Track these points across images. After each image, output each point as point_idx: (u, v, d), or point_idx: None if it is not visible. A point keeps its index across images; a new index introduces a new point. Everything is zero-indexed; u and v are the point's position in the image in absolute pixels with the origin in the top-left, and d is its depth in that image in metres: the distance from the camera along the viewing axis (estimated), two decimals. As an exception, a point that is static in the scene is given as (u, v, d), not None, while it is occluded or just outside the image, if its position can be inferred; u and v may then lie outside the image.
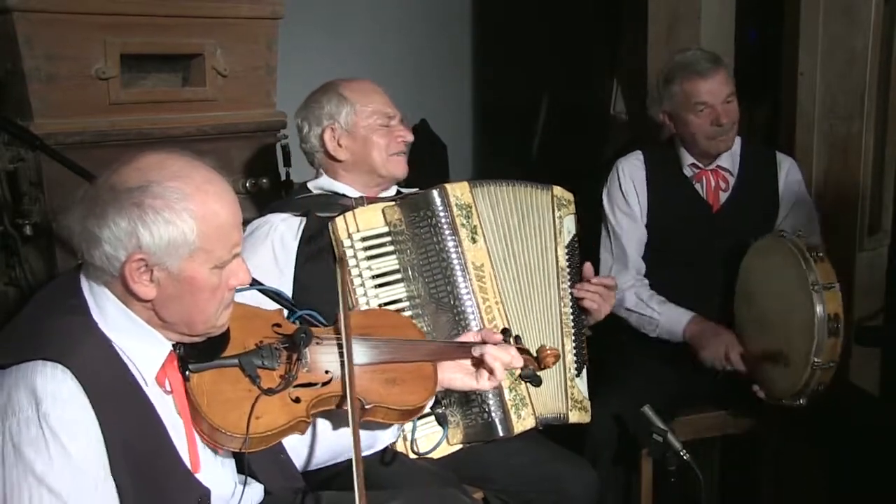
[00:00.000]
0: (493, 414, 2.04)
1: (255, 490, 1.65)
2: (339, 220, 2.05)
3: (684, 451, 2.05)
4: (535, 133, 4.86)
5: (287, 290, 2.01)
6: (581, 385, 2.24)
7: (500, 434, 2.05)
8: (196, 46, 2.53)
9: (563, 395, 2.18)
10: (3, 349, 1.40)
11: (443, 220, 2.08)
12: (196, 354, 1.50)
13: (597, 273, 2.34)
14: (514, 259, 2.16)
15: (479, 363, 1.82)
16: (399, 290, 2.07)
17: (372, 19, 4.20)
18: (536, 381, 1.96)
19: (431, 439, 2.04)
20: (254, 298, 1.84)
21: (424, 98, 4.24)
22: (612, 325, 2.45)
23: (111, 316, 1.43)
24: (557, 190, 2.27)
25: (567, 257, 2.25)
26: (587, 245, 2.41)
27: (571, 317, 2.24)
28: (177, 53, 2.53)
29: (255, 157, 2.70)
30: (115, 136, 2.37)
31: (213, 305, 1.47)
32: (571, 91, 4.68)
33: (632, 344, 2.67)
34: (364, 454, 1.79)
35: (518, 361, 1.85)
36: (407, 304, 2.06)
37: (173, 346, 1.49)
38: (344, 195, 2.17)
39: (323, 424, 1.75)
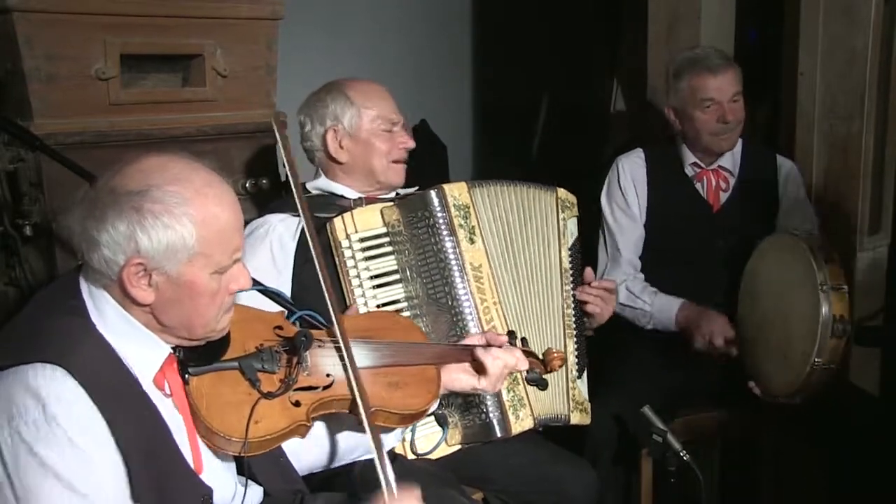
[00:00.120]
0: (491, 414, 2.04)
1: (255, 492, 1.64)
2: (338, 221, 2.04)
3: (684, 451, 2.05)
4: (535, 133, 4.86)
5: (285, 290, 2.01)
6: (582, 386, 2.25)
7: (498, 434, 2.05)
8: (196, 47, 2.53)
9: (564, 396, 2.18)
10: (1, 350, 1.39)
11: (440, 221, 2.08)
12: (195, 357, 1.49)
13: (596, 272, 2.34)
14: (513, 260, 2.16)
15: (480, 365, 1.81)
16: (397, 291, 2.06)
17: (372, 19, 4.20)
18: (543, 385, 1.96)
19: (431, 440, 2.04)
20: (253, 299, 1.84)
21: (424, 98, 4.24)
22: (612, 325, 2.45)
23: (110, 319, 1.43)
24: (561, 192, 2.27)
25: (570, 259, 2.25)
26: (587, 247, 2.41)
27: (573, 318, 2.24)
28: (177, 53, 2.53)
29: (255, 158, 2.70)
30: (115, 136, 2.37)
31: (213, 310, 1.46)
32: (571, 91, 4.68)
33: (632, 344, 2.67)
34: (366, 458, 1.79)
35: (523, 364, 1.84)
36: (405, 304, 2.06)
37: (172, 349, 1.48)
38: (342, 196, 2.17)
39: (324, 428, 1.75)
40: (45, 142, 2.18)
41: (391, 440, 1.83)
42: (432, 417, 2.03)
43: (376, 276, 2.06)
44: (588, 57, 4.63)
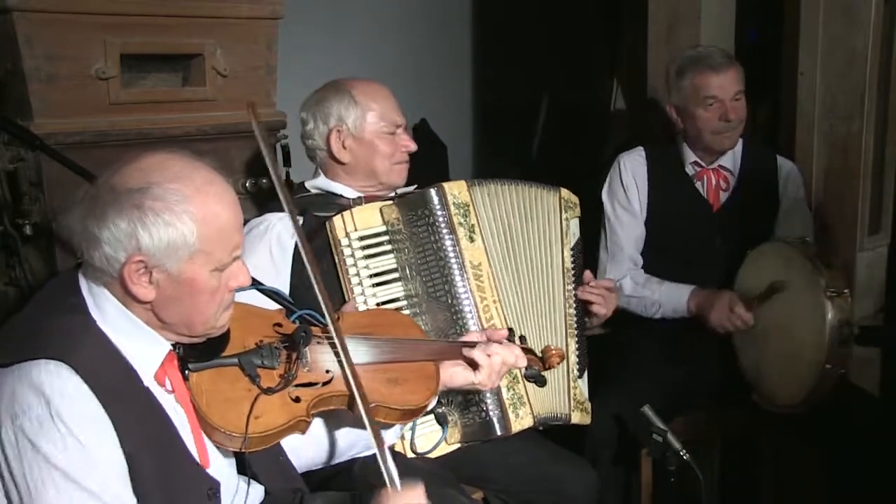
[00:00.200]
0: (491, 413, 2.04)
1: (257, 490, 1.64)
2: (337, 220, 2.04)
3: (684, 451, 2.05)
4: (535, 133, 4.86)
5: (284, 289, 2.01)
6: (583, 386, 2.25)
7: (498, 433, 2.04)
8: (196, 46, 2.53)
9: (566, 395, 2.18)
10: (3, 348, 1.40)
11: (440, 219, 2.08)
12: (195, 354, 1.50)
13: (595, 272, 2.34)
14: (513, 258, 2.16)
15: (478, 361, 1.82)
16: (397, 289, 2.06)
17: (372, 19, 4.20)
18: (541, 382, 1.96)
19: (430, 439, 2.04)
20: (253, 298, 1.84)
21: (424, 98, 4.23)
22: (612, 324, 2.45)
23: (110, 316, 1.43)
24: (564, 192, 2.28)
25: (572, 259, 2.25)
26: (587, 247, 2.41)
27: (575, 318, 2.24)
28: (177, 53, 2.53)
29: (255, 158, 2.70)
30: (115, 136, 2.37)
31: (213, 307, 1.46)
32: (571, 91, 4.68)
33: (632, 344, 2.67)
34: (364, 454, 1.79)
35: (522, 361, 1.85)
36: (405, 303, 2.06)
37: (172, 345, 1.49)
38: (341, 195, 2.17)
39: (324, 425, 1.75)
40: (45, 142, 2.18)
41: (390, 437, 1.83)
42: (432, 416, 2.03)
43: (376, 275, 2.05)
44: (588, 57, 4.63)
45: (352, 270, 2.04)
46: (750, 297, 2.43)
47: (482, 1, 4.69)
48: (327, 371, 1.62)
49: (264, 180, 2.65)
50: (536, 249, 2.19)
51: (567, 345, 2.20)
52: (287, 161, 2.71)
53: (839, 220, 2.98)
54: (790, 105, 3.11)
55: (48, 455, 1.32)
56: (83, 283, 1.46)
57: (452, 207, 2.10)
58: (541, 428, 2.15)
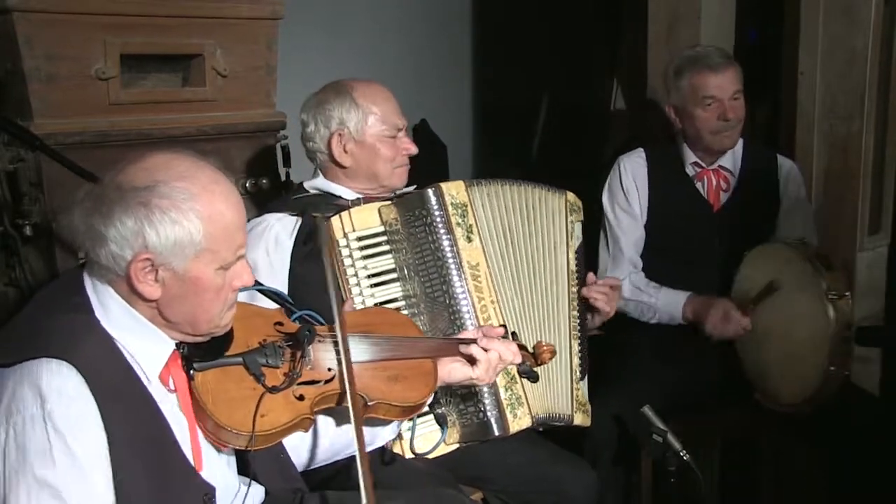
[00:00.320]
0: (489, 413, 2.04)
1: (257, 491, 1.65)
2: (335, 220, 2.04)
3: (684, 451, 2.05)
4: (535, 133, 4.86)
5: (281, 288, 2.01)
6: (584, 388, 2.25)
7: (496, 433, 2.04)
8: (196, 46, 2.53)
9: (569, 396, 2.18)
10: (5, 347, 1.40)
11: (438, 220, 2.08)
12: (200, 353, 1.50)
13: (597, 272, 2.35)
14: (513, 258, 2.15)
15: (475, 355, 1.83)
16: (395, 290, 2.07)
17: (372, 19, 4.20)
18: (534, 377, 1.97)
19: (430, 439, 2.04)
20: (253, 298, 1.85)
21: (424, 98, 4.23)
22: (613, 324, 2.45)
23: (115, 314, 1.44)
24: (570, 196, 2.28)
25: (576, 262, 2.25)
26: (587, 247, 2.41)
27: (578, 320, 2.24)
28: (177, 53, 2.53)
29: (255, 158, 2.70)
30: (115, 136, 2.37)
31: (217, 306, 1.47)
32: (571, 91, 4.68)
33: (632, 344, 2.67)
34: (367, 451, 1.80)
35: (519, 357, 1.87)
36: (403, 303, 2.06)
37: (177, 345, 1.49)
38: (340, 196, 2.17)
39: (325, 422, 1.75)
40: (45, 142, 2.19)
41: (388, 433, 1.84)
42: (431, 417, 2.03)
43: (374, 275, 2.06)
44: (588, 57, 4.63)
45: (350, 271, 2.04)
46: (745, 301, 2.43)
47: (482, 1, 4.69)
48: (329, 369, 1.64)
49: (264, 180, 2.66)
50: (538, 250, 2.19)
51: (570, 346, 2.20)
52: (287, 161, 2.71)
53: (839, 220, 2.98)
54: (790, 105, 3.11)
55: (31, 459, 1.31)
56: (88, 282, 1.46)
57: (450, 208, 2.10)
58: (541, 429, 2.15)
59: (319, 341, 1.64)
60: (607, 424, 2.39)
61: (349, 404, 1.50)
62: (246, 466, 1.62)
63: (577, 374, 2.21)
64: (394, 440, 1.94)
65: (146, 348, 1.45)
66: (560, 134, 4.77)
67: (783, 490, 2.88)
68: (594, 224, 2.73)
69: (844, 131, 2.97)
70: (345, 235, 2.04)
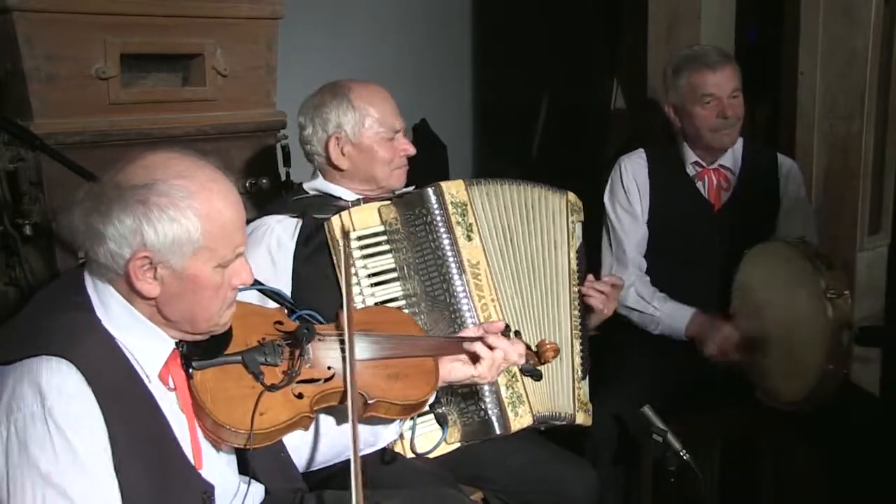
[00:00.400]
0: (490, 411, 2.04)
1: (257, 490, 1.65)
2: (335, 220, 2.04)
3: (684, 451, 2.05)
4: (535, 133, 4.86)
5: (284, 290, 2.01)
6: (585, 387, 2.25)
7: (497, 431, 2.04)
8: (196, 46, 2.53)
9: (571, 395, 2.18)
10: (6, 346, 1.40)
11: (438, 219, 2.08)
12: (199, 352, 1.51)
13: (597, 275, 2.35)
14: (513, 257, 2.16)
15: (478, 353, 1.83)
16: (395, 289, 2.07)
17: (372, 19, 4.20)
18: (537, 376, 1.97)
19: (430, 439, 2.04)
20: (253, 298, 1.85)
21: (424, 98, 4.24)
22: (613, 324, 2.45)
23: (115, 313, 1.44)
24: (571, 196, 2.29)
25: (577, 261, 2.26)
26: (588, 248, 2.41)
27: (580, 319, 2.24)
28: (177, 53, 2.54)
29: (255, 158, 2.70)
30: (115, 136, 2.37)
31: (216, 304, 1.47)
32: (571, 91, 4.68)
33: (631, 344, 2.67)
34: (366, 452, 1.80)
35: (522, 358, 1.87)
36: (403, 302, 2.06)
37: (176, 343, 1.49)
38: (339, 198, 2.17)
39: (326, 421, 1.75)
40: (45, 142, 2.19)
41: (390, 433, 1.84)
42: (432, 417, 2.03)
43: (374, 275, 2.06)
44: (588, 57, 4.63)
45: (350, 270, 2.04)
46: (753, 339, 2.43)
47: (482, 1, 4.69)
48: (329, 368, 1.64)
49: (264, 180, 2.66)
50: (539, 249, 2.19)
51: (572, 345, 2.20)
52: (287, 161, 2.71)
53: (839, 220, 2.98)
54: (790, 105, 3.11)
55: (33, 456, 1.31)
56: (88, 281, 1.46)
57: (450, 207, 2.10)
58: (542, 428, 2.15)
59: (319, 340, 1.64)
60: (607, 424, 2.39)
61: (349, 402, 1.50)
62: (246, 465, 1.62)
63: (579, 373, 2.21)
64: (396, 439, 1.94)
65: (146, 347, 1.45)
66: (560, 134, 4.77)
67: (783, 490, 2.88)
68: (594, 224, 2.73)
69: (844, 131, 2.97)
70: (345, 235, 2.04)
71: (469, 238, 2.10)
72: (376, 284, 2.05)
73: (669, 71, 2.65)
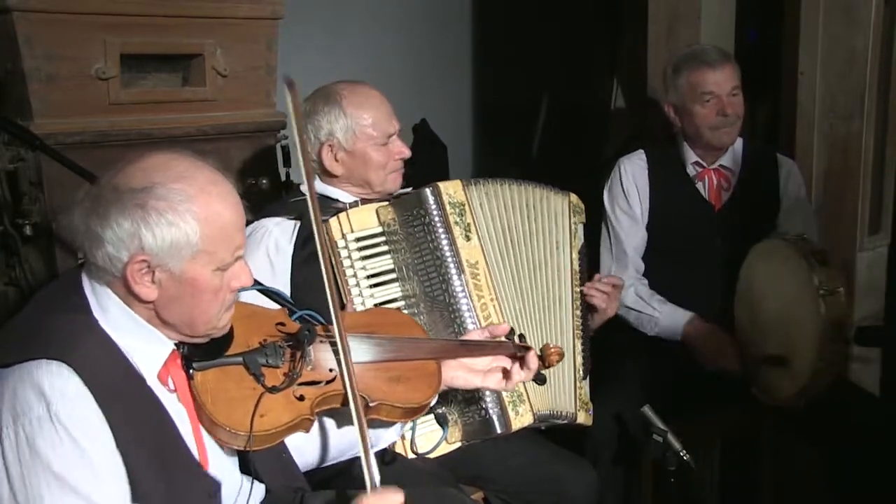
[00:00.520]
0: (491, 411, 2.04)
1: (258, 489, 1.65)
2: (333, 221, 2.05)
3: (684, 451, 2.05)
4: (535, 133, 4.86)
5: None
6: (587, 387, 2.25)
7: (499, 430, 2.04)
8: (196, 46, 2.53)
9: (573, 395, 2.18)
10: (4, 348, 1.40)
11: (436, 219, 2.08)
12: (200, 353, 1.50)
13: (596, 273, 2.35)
14: (512, 257, 2.15)
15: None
16: (394, 290, 2.07)
17: (372, 19, 4.20)
18: (541, 380, 1.97)
19: (431, 439, 2.04)
20: (254, 299, 1.84)
21: (424, 98, 4.24)
22: (612, 324, 2.45)
23: (113, 315, 1.43)
24: (574, 197, 2.29)
25: (579, 262, 2.26)
26: (588, 248, 2.42)
27: (581, 319, 2.24)
28: (177, 53, 2.54)
29: (254, 158, 2.70)
30: (115, 136, 2.37)
31: (215, 307, 1.47)
32: (571, 91, 4.68)
33: (632, 344, 2.67)
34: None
35: (531, 375, 1.87)
36: (402, 303, 2.06)
37: (176, 344, 1.49)
38: (337, 200, 2.17)
39: (328, 422, 1.75)
40: (45, 142, 2.19)
41: (391, 434, 1.83)
42: (432, 417, 2.03)
43: (373, 276, 2.06)
44: (588, 57, 4.63)
45: (349, 272, 2.04)
46: (755, 358, 2.42)
47: (482, 1, 4.69)
48: (331, 370, 1.63)
49: (264, 180, 2.66)
50: (540, 250, 2.19)
51: (574, 346, 2.20)
52: (287, 162, 2.71)
53: (839, 220, 2.98)
54: (790, 105, 3.11)
55: (45, 458, 1.32)
56: (86, 283, 1.46)
57: (448, 207, 2.09)
58: (543, 427, 2.15)
59: (321, 342, 1.64)
60: (607, 424, 2.39)
61: (351, 405, 1.49)
62: (247, 465, 1.62)
63: (581, 373, 2.21)
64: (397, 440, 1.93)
65: (145, 349, 1.45)
66: (560, 134, 4.77)
67: (783, 490, 2.88)
68: (594, 224, 2.73)
69: (844, 131, 2.97)
70: (343, 236, 2.04)
71: (467, 238, 2.10)
72: (375, 286, 2.05)
73: (669, 70, 2.65)
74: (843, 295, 2.20)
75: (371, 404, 1.65)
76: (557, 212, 2.24)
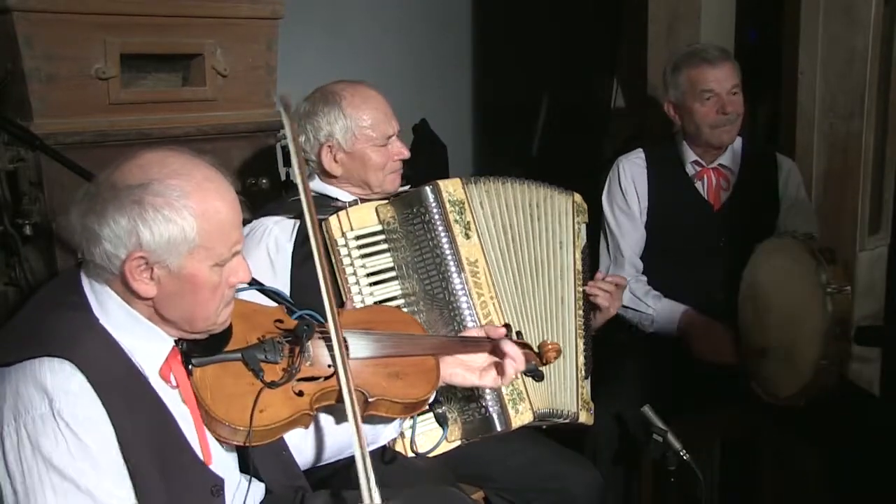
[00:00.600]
0: (491, 409, 2.04)
1: (258, 488, 1.65)
2: (333, 220, 2.05)
3: (684, 451, 2.05)
4: (535, 133, 4.86)
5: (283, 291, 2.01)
6: (588, 386, 2.25)
7: (499, 428, 2.04)
8: (196, 46, 2.53)
9: (575, 394, 2.18)
10: (4, 347, 1.40)
11: (436, 217, 2.07)
12: (199, 349, 1.51)
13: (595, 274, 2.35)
14: (512, 255, 2.15)
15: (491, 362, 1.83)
16: (394, 288, 2.07)
17: (372, 19, 4.20)
18: (538, 376, 1.97)
19: (431, 438, 2.04)
20: (254, 298, 1.84)
21: (424, 98, 4.24)
22: (612, 324, 2.45)
23: (113, 313, 1.44)
24: (577, 197, 2.29)
25: (582, 261, 2.26)
26: (588, 248, 2.42)
27: (583, 319, 2.25)
28: (177, 53, 2.53)
29: (254, 158, 2.70)
30: (115, 135, 2.37)
31: (214, 303, 1.47)
32: (571, 90, 4.68)
33: (632, 344, 2.67)
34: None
35: (522, 364, 1.86)
36: (402, 301, 2.07)
37: (176, 341, 1.49)
38: (336, 199, 2.17)
39: (327, 419, 1.75)
40: (45, 142, 2.19)
41: (390, 431, 1.84)
42: (432, 416, 2.03)
43: (373, 274, 2.06)
44: (588, 57, 4.63)
45: (348, 270, 2.04)
46: (753, 349, 2.42)
47: (482, 1, 4.69)
48: (329, 366, 1.63)
49: (264, 180, 2.66)
50: (542, 248, 2.19)
51: (576, 345, 2.20)
52: (287, 161, 2.71)
53: (839, 220, 2.98)
54: (790, 105, 3.11)
55: (48, 455, 1.32)
56: (85, 281, 1.46)
57: (448, 205, 2.10)
58: (544, 426, 2.16)
59: (319, 338, 1.64)
60: (608, 423, 2.39)
61: (346, 401, 1.49)
62: (247, 463, 1.62)
63: (583, 372, 2.22)
64: (394, 439, 1.94)
65: (145, 346, 1.45)
66: (560, 134, 4.77)
67: (783, 490, 2.88)
68: (594, 224, 2.73)
69: (844, 131, 2.97)
70: (343, 235, 2.04)
71: (467, 236, 2.10)
72: (375, 284, 2.05)
73: (669, 68, 2.66)
74: (849, 294, 2.20)
75: (370, 400, 1.66)
76: (561, 211, 2.24)
